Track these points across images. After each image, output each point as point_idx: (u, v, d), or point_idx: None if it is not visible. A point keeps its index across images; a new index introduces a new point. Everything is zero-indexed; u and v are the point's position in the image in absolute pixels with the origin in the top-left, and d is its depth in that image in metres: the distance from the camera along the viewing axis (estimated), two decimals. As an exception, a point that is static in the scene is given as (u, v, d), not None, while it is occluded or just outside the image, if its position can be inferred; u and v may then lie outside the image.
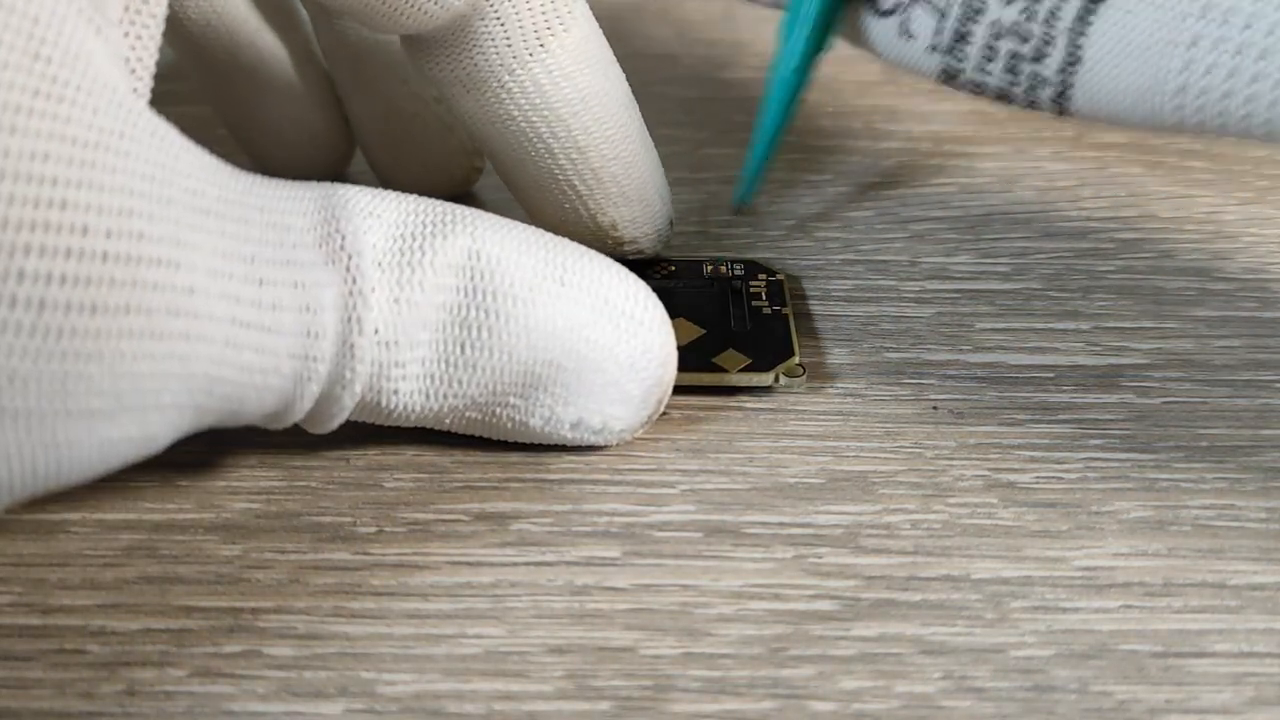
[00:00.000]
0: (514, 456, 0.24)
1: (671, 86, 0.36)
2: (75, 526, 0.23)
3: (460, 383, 0.22)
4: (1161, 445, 0.25)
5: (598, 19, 0.26)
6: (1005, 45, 0.25)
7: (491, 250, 0.22)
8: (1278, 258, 0.30)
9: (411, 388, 0.22)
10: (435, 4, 0.23)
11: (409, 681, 0.21)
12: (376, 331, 0.21)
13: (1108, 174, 0.32)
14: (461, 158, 0.30)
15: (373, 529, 0.23)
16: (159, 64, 0.21)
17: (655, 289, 0.24)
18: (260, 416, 0.21)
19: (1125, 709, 0.20)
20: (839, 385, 0.26)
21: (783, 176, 0.32)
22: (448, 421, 0.23)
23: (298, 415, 0.21)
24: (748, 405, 0.26)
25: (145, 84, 0.20)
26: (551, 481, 0.24)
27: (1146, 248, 0.30)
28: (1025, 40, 0.24)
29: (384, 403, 0.22)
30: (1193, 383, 0.26)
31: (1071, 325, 0.28)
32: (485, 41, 0.24)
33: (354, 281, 0.21)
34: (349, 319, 0.21)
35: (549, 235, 0.23)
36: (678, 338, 0.24)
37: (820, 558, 0.23)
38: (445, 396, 0.22)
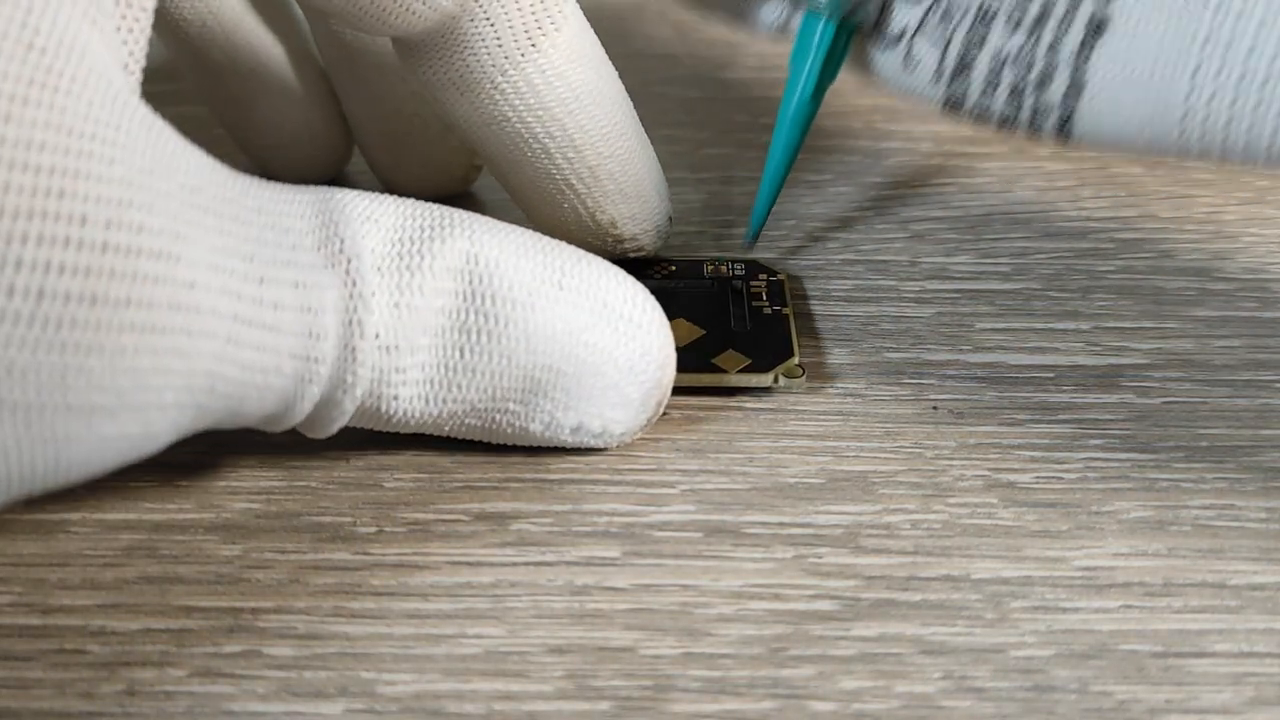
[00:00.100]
0: (514, 457, 0.24)
1: (671, 86, 0.36)
2: (75, 526, 0.23)
3: (460, 388, 0.22)
4: (1161, 445, 0.25)
5: (598, 19, 0.26)
6: (1008, 75, 0.25)
7: (490, 254, 0.22)
8: (1278, 258, 0.30)
9: (411, 393, 0.22)
10: (423, 4, 0.23)
11: (409, 681, 0.21)
12: (377, 335, 0.21)
13: (1108, 174, 0.32)
14: (461, 157, 0.30)
15: (373, 529, 0.23)
16: (155, 65, 0.21)
17: (655, 289, 0.24)
18: (260, 418, 0.21)
19: (1125, 709, 0.20)
20: (839, 385, 0.26)
21: (783, 176, 0.32)
22: (447, 428, 0.23)
23: (297, 418, 0.21)
24: (748, 405, 0.26)
25: (137, 78, 0.20)
26: (551, 481, 0.24)
27: (1146, 248, 0.30)
28: (1028, 69, 0.25)
29: (384, 408, 0.22)
30: (1193, 383, 0.26)
31: (1071, 325, 0.28)
32: (476, 42, 0.24)
33: (354, 284, 0.21)
34: (350, 321, 0.21)
35: (546, 239, 0.23)
36: (677, 338, 0.24)
37: (820, 558, 0.23)
38: (445, 402, 0.22)
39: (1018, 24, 0.25)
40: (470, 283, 0.22)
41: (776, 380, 0.26)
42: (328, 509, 0.24)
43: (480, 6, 0.24)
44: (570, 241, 0.24)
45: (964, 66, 0.25)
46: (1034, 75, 0.25)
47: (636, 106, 0.27)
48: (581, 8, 0.25)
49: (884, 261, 0.30)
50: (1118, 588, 0.22)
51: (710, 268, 0.29)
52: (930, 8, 0.26)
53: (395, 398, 0.22)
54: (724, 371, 0.26)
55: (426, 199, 0.23)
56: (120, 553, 0.23)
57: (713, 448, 0.25)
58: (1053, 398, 0.26)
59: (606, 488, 0.24)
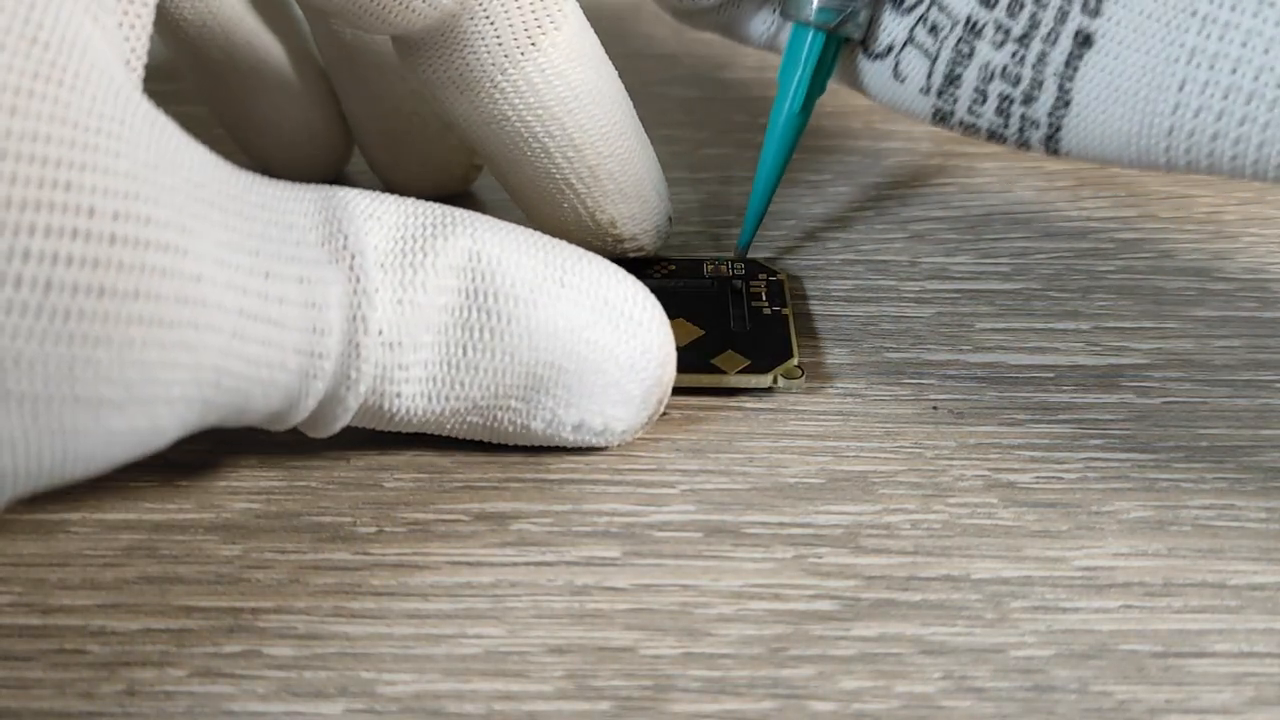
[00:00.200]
0: (514, 457, 0.24)
1: (671, 86, 0.36)
2: (75, 526, 0.23)
3: (462, 385, 0.22)
4: (1161, 445, 0.25)
5: (598, 19, 0.26)
6: (995, 88, 0.25)
7: (492, 251, 0.22)
8: (1278, 258, 0.30)
9: (414, 390, 0.22)
10: (424, 3, 0.23)
11: (409, 681, 0.21)
12: (381, 332, 0.21)
13: (1108, 174, 0.32)
14: (460, 156, 0.30)
15: (373, 529, 0.23)
16: (155, 65, 0.21)
17: (655, 289, 0.24)
18: (265, 415, 0.21)
19: (1125, 709, 0.20)
20: (839, 385, 0.26)
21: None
22: (449, 426, 0.23)
23: (302, 415, 0.21)
24: (748, 405, 0.26)
25: (139, 75, 0.20)
26: (551, 481, 0.24)
27: (1146, 248, 0.30)
28: (1015, 83, 0.25)
29: (386, 406, 0.22)
30: (1193, 383, 0.26)
31: (1071, 325, 0.28)
32: (476, 41, 0.24)
33: (358, 281, 0.21)
34: (354, 318, 0.21)
35: (547, 237, 0.23)
36: (677, 338, 0.24)
37: (820, 558, 0.23)
38: (447, 399, 0.22)
39: (1005, 38, 0.25)
40: (473, 280, 0.22)
41: (775, 381, 0.26)
42: (328, 509, 0.24)
43: (480, 5, 0.24)
44: (570, 241, 0.24)
45: (952, 80, 0.26)
46: (1021, 89, 0.25)
47: (636, 106, 0.27)
48: (581, 8, 0.25)
49: (884, 261, 0.30)
50: (1118, 588, 0.22)
51: (710, 267, 0.29)
52: (918, 21, 0.26)
53: (398, 395, 0.22)
54: (723, 372, 0.26)
55: (426, 198, 0.23)
56: (120, 553, 0.23)
57: (713, 448, 0.25)
58: (1053, 398, 0.26)
59: (606, 488, 0.24)
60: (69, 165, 0.17)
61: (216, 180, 0.19)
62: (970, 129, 0.26)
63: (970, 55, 0.25)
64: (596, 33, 0.26)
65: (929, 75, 0.26)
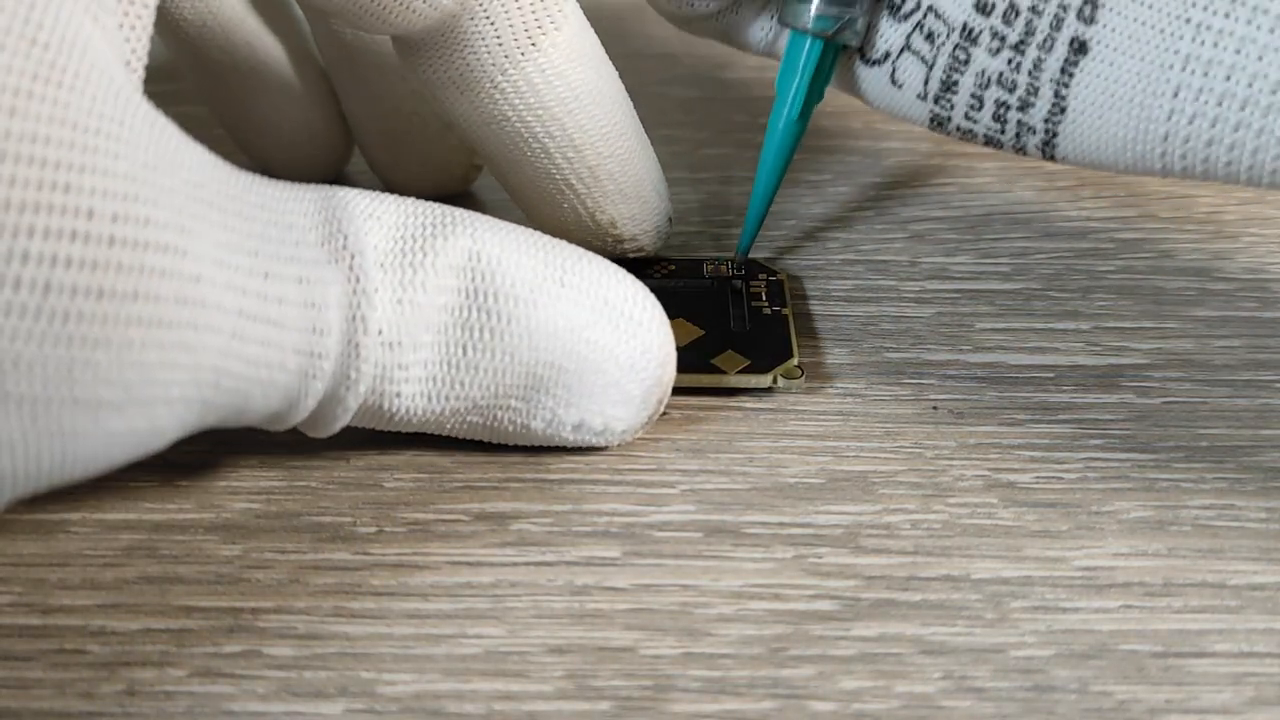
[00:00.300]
0: (514, 456, 0.24)
1: (671, 86, 0.36)
2: (75, 526, 0.23)
3: (462, 384, 0.22)
4: (1161, 445, 0.25)
5: (598, 19, 0.26)
6: (991, 94, 0.25)
7: (491, 251, 0.22)
8: (1278, 258, 0.30)
9: (414, 390, 0.22)
10: (424, 3, 0.23)
11: (409, 681, 0.21)
12: (380, 332, 0.21)
13: (1107, 174, 0.32)
14: (460, 156, 0.30)
15: (373, 529, 0.23)
16: (155, 65, 0.21)
17: (655, 289, 0.24)
18: (264, 415, 0.21)
19: (1125, 709, 0.20)
20: (839, 385, 0.26)
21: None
22: (449, 426, 0.23)
23: (301, 415, 0.21)
24: (748, 405, 0.26)
25: (139, 75, 0.20)
26: (551, 481, 0.24)
27: (1146, 248, 0.30)
28: (1011, 90, 0.25)
29: (386, 406, 0.22)
30: (1193, 383, 0.26)
31: (1071, 325, 0.28)
32: (476, 41, 0.24)
33: (357, 280, 0.21)
34: (354, 317, 0.21)
35: (547, 237, 0.23)
36: (677, 338, 0.24)
37: (820, 558, 0.23)
38: (447, 399, 0.22)
39: (1001, 45, 0.25)
40: (472, 280, 0.22)
41: (775, 381, 0.26)
42: (328, 509, 0.24)
43: (480, 5, 0.24)
44: (570, 241, 0.24)
45: (948, 86, 0.26)
46: (1017, 96, 0.25)
47: (636, 106, 0.27)
48: (581, 8, 0.25)
49: (884, 261, 0.30)
50: (1118, 588, 0.22)
51: (710, 267, 0.29)
52: (915, 28, 0.26)
53: (398, 395, 0.22)
54: (723, 372, 0.26)
55: (426, 198, 0.23)
56: (120, 553, 0.23)
57: (713, 448, 0.25)
58: (1053, 398, 0.26)
59: (606, 488, 0.24)
60: (68, 167, 0.17)
61: (216, 180, 0.19)
62: (967, 135, 0.26)
63: (966, 62, 0.25)
64: (596, 33, 0.26)
65: (926, 82, 0.26)
